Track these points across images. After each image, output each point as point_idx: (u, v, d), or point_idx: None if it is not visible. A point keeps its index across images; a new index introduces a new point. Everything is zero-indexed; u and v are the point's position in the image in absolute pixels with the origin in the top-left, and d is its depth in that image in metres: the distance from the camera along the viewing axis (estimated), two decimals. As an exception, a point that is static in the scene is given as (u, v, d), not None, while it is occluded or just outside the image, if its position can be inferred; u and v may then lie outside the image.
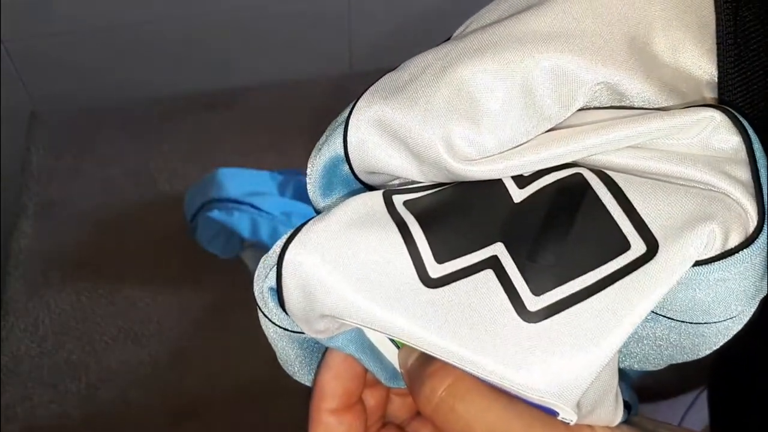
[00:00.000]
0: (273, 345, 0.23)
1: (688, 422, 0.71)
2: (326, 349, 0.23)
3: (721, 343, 0.20)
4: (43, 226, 0.72)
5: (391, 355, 0.23)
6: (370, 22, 0.86)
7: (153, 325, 0.64)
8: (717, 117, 0.18)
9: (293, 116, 0.83)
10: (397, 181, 0.22)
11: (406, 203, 0.20)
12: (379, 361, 0.23)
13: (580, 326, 0.17)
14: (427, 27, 0.82)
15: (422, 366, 0.20)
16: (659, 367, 0.22)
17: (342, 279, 0.19)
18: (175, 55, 0.85)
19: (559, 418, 0.18)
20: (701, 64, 0.19)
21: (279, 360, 0.24)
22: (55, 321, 0.65)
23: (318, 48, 0.88)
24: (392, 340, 0.22)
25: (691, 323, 0.19)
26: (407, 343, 0.19)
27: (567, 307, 0.17)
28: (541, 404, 0.18)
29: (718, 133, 0.18)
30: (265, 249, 0.67)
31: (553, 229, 0.18)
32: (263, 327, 0.22)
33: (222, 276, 0.68)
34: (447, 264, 0.19)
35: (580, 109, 0.19)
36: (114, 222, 0.73)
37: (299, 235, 0.20)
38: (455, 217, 0.19)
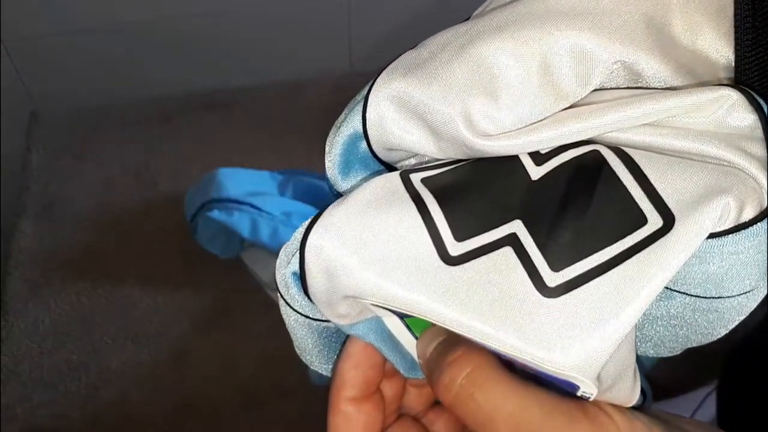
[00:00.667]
0: (292, 333, 0.23)
1: (700, 415, 0.71)
2: (346, 338, 0.23)
3: (736, 322, 0.21)
4: (43, 226, 0.72)
5: (410, 345, 0.23)
6: (370, 22, 0.86)
7: (153, 325, 0.64)
8: (734, 96, 0.18)
9: (293, 116, 0.83)
10: (413, 160, 0.22)
11: (424, 180, 0.20)
12: (398, 351, 0.23)
13: (598, 300, 0.17)
14: (426, 27, 0.82)
15: (441, 355, 0.20)
16: (675, 352, 0.22)
17: (363, 260, 0.19)
18: (175, 55, 0.85)
19: (580, 393, 0.19)
20: (718, 47, 0.19)
21: (297, 349, 0.24)
22: (55, 321, 0.65)
23: (318, 48, 0.88)
24: (410, 329, 0.22)
25: (705, 298, 0.19)
26: (429, 320, 0.19)
27: (585, 282, 0.18)
28: (562, 378, 0.18)
29: (734, 112, 0.18)
30: (265, 249, 0.67)
31: (571, 206, 0.18)
32: (284, 315, 0.23)
33: (222, 276, 0.68)
34: (466, 242, 0.19)
35: (596, 90, 0.19)
36: (114, 222, 0.73)
37: (320, 219, 0.20)
38: (473, 195, 0.20)
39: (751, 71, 0.19)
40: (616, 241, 0.18)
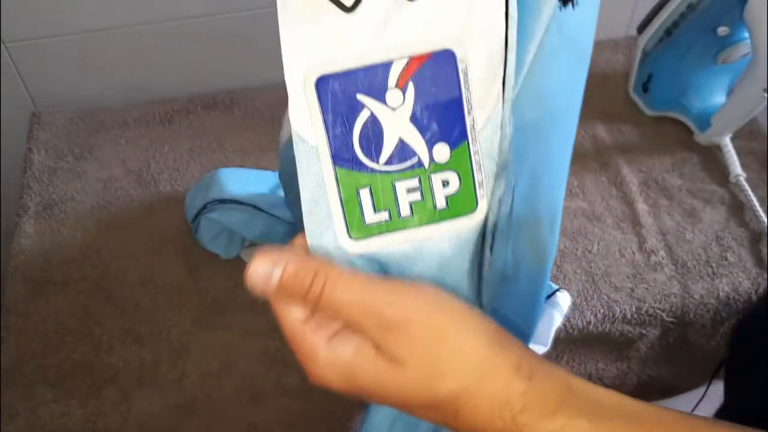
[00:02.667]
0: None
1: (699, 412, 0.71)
2: None
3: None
4: (44, 226, 0.72)
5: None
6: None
7: (153, 324, 0.65)
8: None
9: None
10: None
11: None
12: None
13: None
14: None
15: (304, 276, 0.29)
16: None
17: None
18: (175, 55, 0.85)
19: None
20: None
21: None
22: (55, 321, 0.65)
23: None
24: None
25: None
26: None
27: None
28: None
29: None
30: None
31: None
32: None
33: (222, 276, 0.68)
34: None
35: None
36: (114, 222, 0.73)
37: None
38: None
39: None
40: None
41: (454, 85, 0.27)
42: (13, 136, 0.87)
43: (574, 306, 0.66)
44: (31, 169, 0.78)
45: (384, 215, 0.29)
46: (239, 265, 0.68)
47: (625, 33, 0.92)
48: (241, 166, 0.77)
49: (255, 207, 0.64)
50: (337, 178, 0.28)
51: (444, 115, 0.27)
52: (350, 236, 0.29)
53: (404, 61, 0.26)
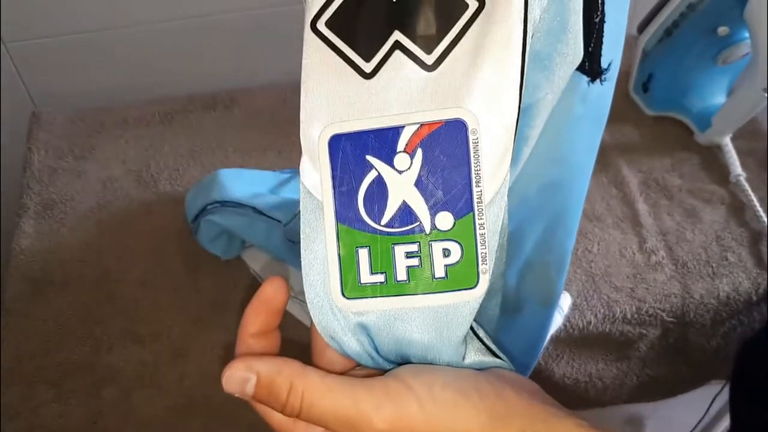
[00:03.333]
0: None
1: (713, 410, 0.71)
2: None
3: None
4: (44, 226, 0.72)
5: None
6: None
7: (153, 325, 0.65)
8: None
9: (293, 116, 0.82)
10: None
11: (327, 24, 0.28)
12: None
13: (463, 54, 0.27)
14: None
15: (276, 395, 0.28)
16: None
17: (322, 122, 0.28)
18: (175, 55, 0.85)
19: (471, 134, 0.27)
20: None
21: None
22: (55, 321, 0.65)
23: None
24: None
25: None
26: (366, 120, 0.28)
27: (449, 52, 0.27)
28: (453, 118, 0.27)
29: None
30: (265, 251, 0.67)
31: (421, 14, 0.27)
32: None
33: (222, 276, 0.68)
34: (372, 58, 0.27)
35: None
36: (114, 222, 0.73)
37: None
38: (361, 22, 0.28)
39: None
40: (456, 22, 0.27)
41: (463, 155, 0.27)
42: (13, 135, 0.87)
43: (575, 306, 0.66)
44: (31, 169, 0.78)
45: (380, 277, 0.28)
46: (239, 266, 0.68)
47: (626, 33, 0.92)
48: (241, 166, 0.77)
49: (255, 209, 0.64)
50: (338, 234, 0.28)
51: (450, 184, 0.27)
52: (344, 295, 0.29)
53: (415, 127, 0.27)
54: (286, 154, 0.79)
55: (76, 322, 0.65)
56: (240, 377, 0.28)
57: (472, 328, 0.30)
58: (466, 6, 0.27)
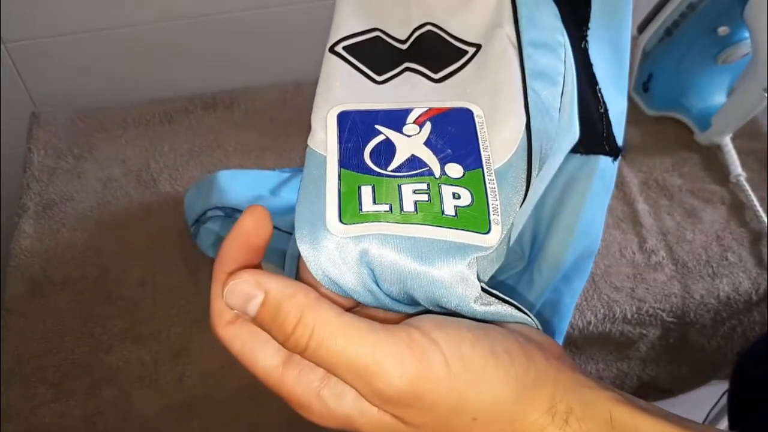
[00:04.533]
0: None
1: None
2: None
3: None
4: (44, 226, 0.72)
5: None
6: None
7: (153, 324, 0.65)
8: None
9: (293, 116, 0.83)
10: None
11: (345, 48, 0.31)
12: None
13: (468, 74, 0.30)
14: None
15: (283, 322, 0.24)
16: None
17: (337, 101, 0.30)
18: (175, 55, 0.85)
19: (476, 120, 0.29)
20: None
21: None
22: (55, 321, 0.65)
23: (318, 48, 0.88)
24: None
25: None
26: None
27: (455, 74, 0.30)
28: (459, 108, 0.29)
29: None
30: (265, 259, 0.66)
31: (431, 54, 0.31)
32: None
33: (222, 276, 0.68)
34: (384, 75, 0.30)
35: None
36: (114, 222, 0.73)
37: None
38: (378, 51, 0.31)
39: None
40: (457, 61, 0.31)
41: (470, 130, 0.28)
42: (13, 135, 0.87)
43: (575, 306, 0.66)
44: (31, 169, 0.78)
45: (384, 207, 0.26)
46: (239, 265, 0.68)
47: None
48: (241, 166, 0.77)
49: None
50: (339, 176, 0.27)
51: (459, 146, 0.28)
52: (341, 221, 0.25)
53: (424, 109, 0.29)
54: (286, 154, 0.79)
55: (75, 322, 0.65)
56: (245, 291, 0.25)
57: (486, 290, 0.27)
58: (467, 52, 0.31)
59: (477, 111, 0.29)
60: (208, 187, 0.67)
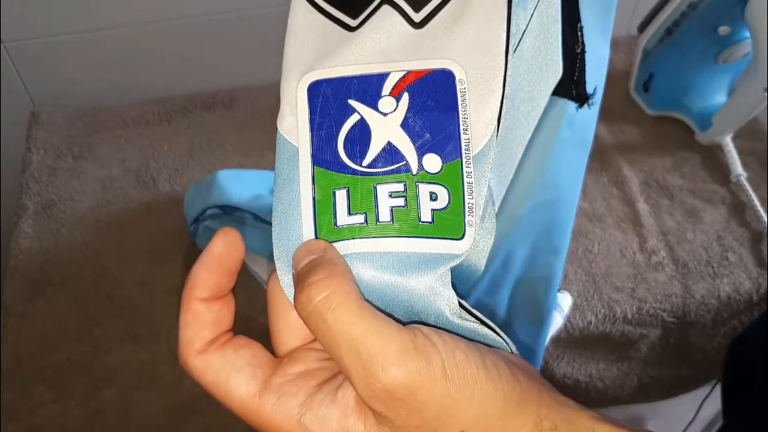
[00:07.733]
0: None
1: (704, 410, 0.71)
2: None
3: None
4: (43, 226, 0.72)
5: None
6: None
7: (153, 325, 0.64)
8: None
9: (293, 116, 0.82)
10: None
11: None
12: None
13: (451, 13, 0.26)
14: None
15: (308, 274, 0.24)
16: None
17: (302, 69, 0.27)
18: (175, 55, 0.85)
19: (458, 86, 0.26)
20: None
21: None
22: (55, 321, 0.65)
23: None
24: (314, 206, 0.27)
25: None
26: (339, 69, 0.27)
27: (437, 12, 0.26)
28: (439, 69, 0.26)
29: None
30: (264, 254, 0.66)
31: None
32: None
33: (222, 276, 0.68)
34: (360, 15, 0.27)
35: None
36: (114, 222, 0.73)
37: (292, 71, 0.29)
38: None
39: None
40: None
41: (451, 101, 0.26)
42: (12, 135, 0.87)
43: (575, 306, 0.66)
44: (30, 169, 0.78)
45: (359, 218, 0.25)
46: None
47: (626, 32, 0.92)
48: (240, 166, 0.77)
49: (255, 215, 0.64)
50: (313, 178, 0.26)
51: (438, 127, 0.26)
52: (317, 237, 0.25)
53: (401, 74, 0.26)
54: (285, 154, 0.78)
55: (75, 322, 0.65)
56: (311, 248, 0.25)
57: (464, 306, 0.27)
58: None
59: (459, 74, 0.26)
60: (207, 187, 0.67)
